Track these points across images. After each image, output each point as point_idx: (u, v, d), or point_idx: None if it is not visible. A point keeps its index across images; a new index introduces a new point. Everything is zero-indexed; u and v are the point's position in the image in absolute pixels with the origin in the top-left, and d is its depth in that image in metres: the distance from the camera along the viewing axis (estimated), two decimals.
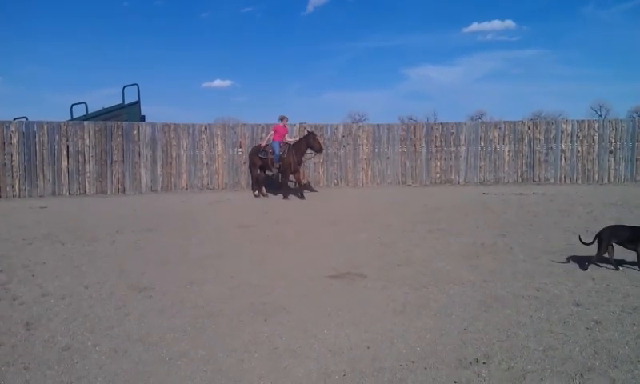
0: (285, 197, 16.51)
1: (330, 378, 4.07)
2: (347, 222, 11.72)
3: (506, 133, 20.15)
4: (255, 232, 10.64)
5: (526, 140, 20.06)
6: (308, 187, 18.57)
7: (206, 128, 19.72)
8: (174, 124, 19.50)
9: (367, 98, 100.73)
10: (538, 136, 19.99)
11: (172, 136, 19.34)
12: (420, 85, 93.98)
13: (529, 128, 20.21)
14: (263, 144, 17.29)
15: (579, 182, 19.56)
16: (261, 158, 17.16)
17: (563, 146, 19.80)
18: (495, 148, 20.11)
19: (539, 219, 11.57)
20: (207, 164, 19.59)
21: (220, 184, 19.64)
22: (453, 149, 20.33)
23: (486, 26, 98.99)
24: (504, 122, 20.65)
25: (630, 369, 4.06)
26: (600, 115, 57.88)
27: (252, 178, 18.01)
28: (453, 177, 20.41)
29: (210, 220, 12.43)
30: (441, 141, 20.33)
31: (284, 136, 17.05)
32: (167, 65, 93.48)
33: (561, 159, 19.86)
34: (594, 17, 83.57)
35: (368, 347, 4.63)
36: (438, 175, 20.43)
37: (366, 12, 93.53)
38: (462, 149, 20.28)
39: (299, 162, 16.81)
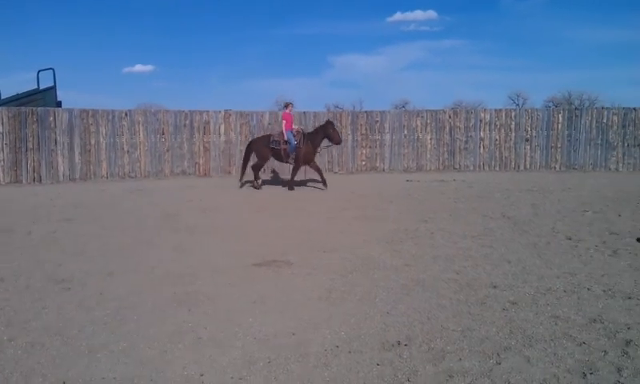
0: (291, 188, 15.43)
1: (254, 365, 4.05)
2: (273, 209, 11.69)
3: (428, 121, 20.62)
4: (179, 221, 10.43)
5: (447, 128, 20.60)
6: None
7: (126, 114, 19.08)
8: (93, 110, 18.75)
9: (294, 86, 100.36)
10: (458, 125, 20.57)
11: (90, 123, 18.59)
12: (346, 73, 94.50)
13: (449, 117, 20.77)
14: (287, 130, 15.35)
15: (497, 169, 20.30)
16: (272, 148, 15.58)
17: (482, 134, 20.47)
18: (418, 136, 20.55)
19: (459, 205, 11.94)
20: (128, 151, 18.99)
21: (142, 172, 19.10)
22: (378, 137, 20.60)
23: (409, 15, 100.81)
24: (426, 110, 21.13)
25: (543, 347, 4.26)
26: (517, 105, 60.24)
27: (256, 166, 15.98)
28: (378, 164, 20.70)
29: (132, 209, 12.08)
30: (366, 129, 20.57)
31: (292, 124, 16.01)
32: (86, 49, 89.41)
33: (480, 147, 20.53)
34: (513, 8, 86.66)
35: (293, 334, 4.64)
36: (364, 163, 20.67)
37: None
38: (387, 137, 20.59)
39: (315, 153, 15.67)
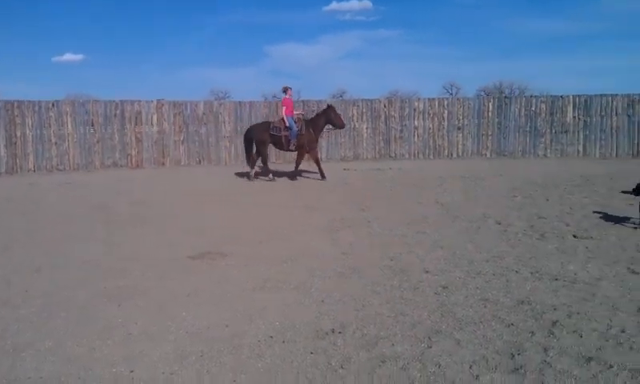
0: (294, 177, 15.05)
1: (186, 359, 3.97)
2: (211, 200, 11.52)
3: (364, 110, 20.77)
4: (110, 214, 10.13)
5: (383, 117, 20.81)
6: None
7: (53, 105, 18.35)
8: (18, 101, 17.94)
9: (230, 75, 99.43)
10: (393, 114, 20.81)
11: (16, 114, 17.79)
12: (283, 62, 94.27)
13: (384, 106, 20.99)
14: (288, 116, 14.66)
15: (431, 156, 20.68)
16: (272, 135, 14.78)
17: (416, 123, 20.79)
18: (354, 125, 20.67)
19: (395, 193, 12.11)
20: (56, 144, 18.29)
21: (71, 165, 18.44)
22: None
23: (345, 5, 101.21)
24: (362, 100, 21.28)
25: (473, 330, 4.35)
26: (451, 94, 61.64)
27: (261, 160, 15.37)
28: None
29: (61, 203, 11.65)
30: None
31: (293, 109, 15.38)
32: (12, 38, 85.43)
33: (414, 135, 20.85)
34: None
35: (227, 326, 4.57)
36: None
37: None
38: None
39: (317, 139, 15.32)
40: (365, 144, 20.82)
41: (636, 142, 19.35)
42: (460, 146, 20.75)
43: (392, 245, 7.28)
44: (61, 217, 9.89)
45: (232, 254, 6.96)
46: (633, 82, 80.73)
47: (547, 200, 10.46)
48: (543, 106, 20.18)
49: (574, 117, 19.89)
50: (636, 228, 7.88)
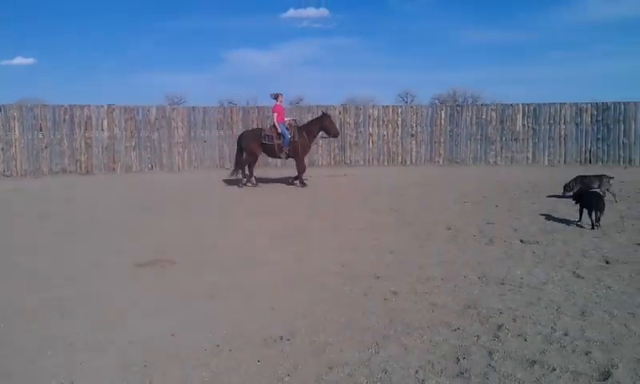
0: (303, 184, 14.48)
1: (129, 369, 3.87)
2: (160, 207, 11.31)
3: None
4: (57, 221, 9.83)
5: (338, 124, 20.84)
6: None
7: (0, 109, 17.77)
8: None
9: (186, 81, 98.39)
10: (349, 120, 20.91)
11: None
12: (241, 68, 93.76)
13: (340, 113, 21.05)
14: (280, 123, 14.37)
15: (385, 163, 20.84)
16: (264, 144, 14.40)
17: (371, 130, 20.92)
18: None
19: (349, 199, 12.14)
20: (3, 149, 17.68)
21: (18, 171, 17.84)
22: None
23: (302, 12, 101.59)
24: (317, 106, 21.28)
25: (420, 335, 4.37)
26: (407, 102, 62.37)
27: (247, 166, 14.79)
28: (270, 160, 20.59)
29: (5, 210, 11.25)
30: (257, 124, 20.39)
31: (284, 116, 15.10)
32: None
33: (369, 142, 20.98)
34: (401, 8, 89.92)
35: (173, 335, 4.47)
36: None
37: None
38: None
39: (310, 146, 15.03)
40: (320, 151, 20.81)
41: (583, 149, 19.90)
42: (414, 153, 20.97)
43: (343, 251, 7.27)
44: (6, 224, 9.57)
45: (181, 261, 6.84)
46: (580, 90, 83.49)
47: (496, 206, 10.64)
48: (494, 114, 20.58)
49: (524, 125, 20.32)
50: (583, 227, 8.16)
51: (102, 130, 18.67)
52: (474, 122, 20.56)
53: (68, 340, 4.42)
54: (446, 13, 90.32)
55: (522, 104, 20.52)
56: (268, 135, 14.38)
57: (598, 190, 10.29)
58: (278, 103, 14.77)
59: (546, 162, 20.03)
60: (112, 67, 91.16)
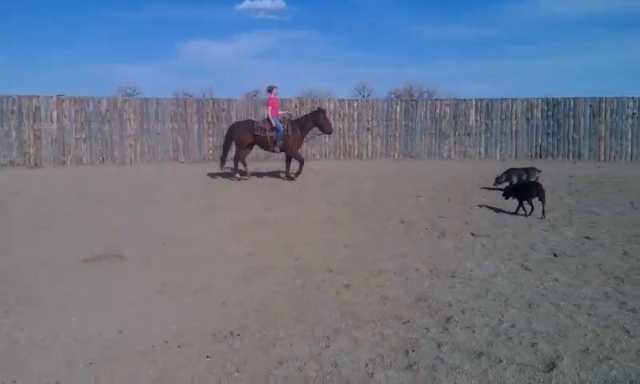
0: (293, 177, 14.34)
1: (74, 367, 3.77)
2: (111, 201, 11.04)
3: None
4: (3, 215, 9.50)
5: (294, 117, 20.84)
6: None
7: None
8: None
9: (140, 72, 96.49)
10: (305, 113, 20.89)
11: None
12: (196, 60, 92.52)
13: (296, 106, 20.99)
14: (274, 116, 14.24)
15: (342, 157, 20.90)
16: (256, 135, 14.22)
17: None
18: None
19: (305, 192, 12.13)
20: None
21: None
22: (225, 125, 20.32)
23: (258, 4, 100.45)
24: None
25: (371, 328, 4.39)
26: (363, 96, 62.69)
27: (236, 158, 14.59)
28: (231, 153, 20.45)
29: None
30: (213, 117, 20.22)
31: (278, 109, 14.91)
32: None
33: (325, 136, 21.01)
34: (358, 3, 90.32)
35: (120, 331, 4.37)
36: (211, 152, 20.29)
37: None
38: None
39: (302, 141, 14.79)
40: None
41: (534, 144, 20.35)
42: (369, 147, 21.09)
43: (297, 245, 7.26)
44: None
45: (131, 256, 6.70)
46: (531, 86, 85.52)
47: (449, 200, 10.80)
48: (448, 109, 20.86)
49: (477, 120, 20.66)
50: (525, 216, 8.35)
51: (52, 121, 18.13)
52: (428, 116, 20.79)
53: (11, 337, 4.29)
54: (402, 8, 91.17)
55: (475, 99, 20.87)
56: (261, 127, 14.20)
57: (534, 180, 10.73)
58: (272, 96, 14.61)
59: (498, 157, 20.40)
60: (64, 57, 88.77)
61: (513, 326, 4.41)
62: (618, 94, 19.61)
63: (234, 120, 19.83)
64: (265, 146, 14.54)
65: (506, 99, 20.60)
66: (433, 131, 20.75)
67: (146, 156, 19.45)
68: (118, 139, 18.98)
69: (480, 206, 9.98)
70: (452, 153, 20.58)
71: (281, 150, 14.49)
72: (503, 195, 9.73)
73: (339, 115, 20.91)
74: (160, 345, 4.11)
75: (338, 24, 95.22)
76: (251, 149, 14.97)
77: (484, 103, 20.70)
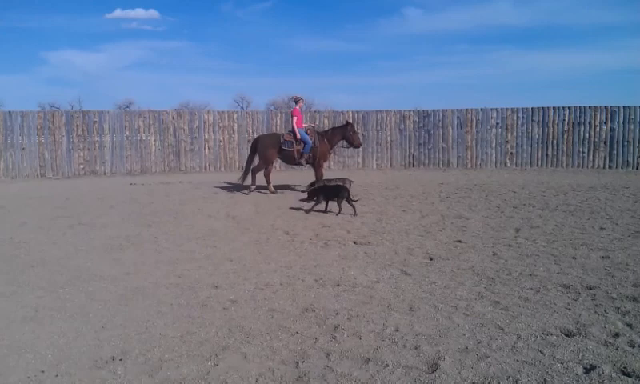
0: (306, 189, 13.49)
1: None
2: None
3: (151, 122, 20.14)
4: None
5: (171, 130, 20.37)
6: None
7: None
8: None
9: (3, 83, 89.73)
10: (183, 126, 20.49)
11: None
12: (64, 70, 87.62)
13: (173, 118, 20.56)
14: (300, 128, 13.83)
15: (222, 169, 20.69)
16: (283, 150, 13.75)
17: (206, 135, 20.70)
18: (141, 137, 19.93)
19: (184, 207, 11.82)
20: None
21: None
22: (97, 138, 19.46)
23: (130, 13, 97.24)
24: (148, 111, 20.61)
25: (260, 342, 4.35)
26: (242, 107, 62.50)
27: (255, 171, 14.10)
28: (98, 167, 19.57)
29: None
30: (83, 130, 19.28)
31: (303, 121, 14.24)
32: None
33: (205, 148, 20.72)
34: (233, 14, 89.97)
35: None
36: (82, 166, 19.35)
37: None
38: (107, 138, 19.58)
39: (329, 153, 14.35)
40: (153, 157, 20.18)
41: (407, 154, 21.32)
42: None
43: (180, 261, 7.05)
44: None
45: None
46: (403, 99, 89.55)
47: (330, 210, 10.99)
48: (326, 120, 21.32)
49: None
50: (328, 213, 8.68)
51: None
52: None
53: None
54: (278, 21, 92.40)
55: (352, 111, 21.51)
56: (287, 141, 13.79)
57: (339, 183, 11.58)
58: (298, 107, 14.13)
59: (375, 167, 21.16)
60: None
61: (397, 330, 4.55)
62: (482, 105, 21.00)
63: (107, 132, 19.09)
64: (290, 159, 14.09)
65: (380, 111, 21.43)
66: None
67: (11, 172, 18.18)
68: None
69: (360, 215, 10.25)
70: (331, 163, 21.02)
71: (306, 163, 14.07)
72: (308, 197, 10.72)
73: (219, 127, 20.75)
74: (36, 375, 3.81)
75: (213, 35, 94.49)
76: (271, 164, 14.48)
77: (360, 115, 21.40)
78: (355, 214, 10.19)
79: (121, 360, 4.06)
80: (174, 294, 5.68)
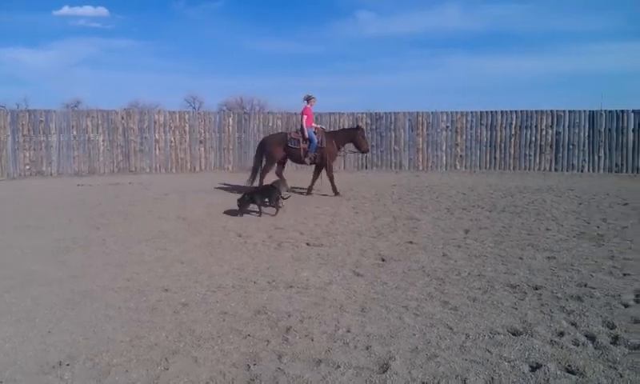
0: (336, 193, 13.42)
1: None
2: None
3: (100, 122, 19.68)
4: None
5: (120, 130, 19.96)
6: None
7: None
8: None
9: None
10: (132, 126, 20.09)
11: None
12: (8, 68, 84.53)
13: (122, 118, 20.15)
14: (308, 127, 13.56)
15: (174, 170, 20.40)
16: (290, 147, 13.55)
17: (157, 136, 20.35)
18: (89, 137, 19.46)
19: (134, 209, 11.60)
20: None
21: None
22: (43, 138, 18.90)
23: (78, 10, 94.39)
24: (97, 110, 20.14)
25: (211, 345, 4.30)
26: (194, 107, 61.67)
27: (264, 172, 13.76)
28: (44, 168, 19.00)
29: None
30: (29, 129, 18.69)
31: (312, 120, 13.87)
32: None
33: (155, 149, 20.37)
34: (184, 13, 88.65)
35: None
36: (28, 167, 18.76)
37: None
38: (54, 138, 19.03)
39: (337, 154, 14.09)
40: (101, 157, 19.74)
41: (360, 156, 21.28)
42: (203, 160, 20.87)
43: (129, 264, 6.91)
44: None
45: None
46: (356, 101, 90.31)
47: (284, 211, 10.98)
48: (279, 121, 21.28)
49: None
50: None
51: None
52: (261, 129, 21.05)
53: None
54: (230, 20, 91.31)
55: None
56: (294, 139, 13.68)
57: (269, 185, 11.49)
58: (309, 106, 13.74)
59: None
60: None
61: (348, 331, 4.58)
62: (433, 108, 21.31)
63: (53, 132, 18.61)
64: (297, 158, 13.91)
65: (334, 113, 21.49)
66: None
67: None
68: None
69: (313, 217, 10.27)
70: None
71: (311, 163, 13.83)
72: (241, 200, 10.68)
73: (170, 127, 20.47)
74: None
75: (164, 34, 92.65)
76: (284, 164, 14.25)
77: (315, 116, 21.38)
78: (275, 215, 10.46)
79: (68, 365, 3.95)
80: (122, 297, 5.56)
